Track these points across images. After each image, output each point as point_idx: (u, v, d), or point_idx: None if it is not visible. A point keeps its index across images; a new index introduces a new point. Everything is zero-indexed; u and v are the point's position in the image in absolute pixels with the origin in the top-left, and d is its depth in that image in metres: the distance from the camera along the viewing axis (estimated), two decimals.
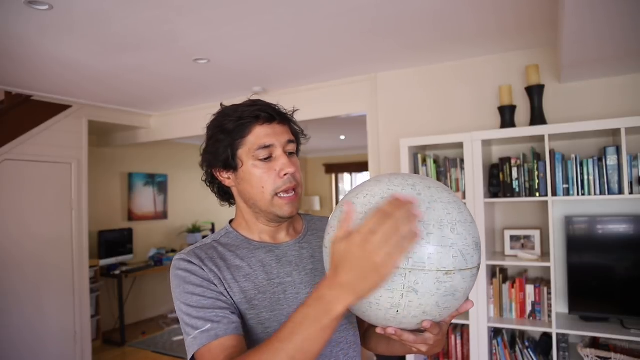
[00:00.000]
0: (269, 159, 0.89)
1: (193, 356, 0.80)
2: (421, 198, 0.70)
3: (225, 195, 0.99)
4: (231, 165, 0.91)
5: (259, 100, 0.94)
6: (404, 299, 0.67)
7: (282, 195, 0.89)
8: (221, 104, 0.96)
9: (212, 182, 0.98)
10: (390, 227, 0.60)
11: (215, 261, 0.90)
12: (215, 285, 0.86)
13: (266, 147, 0.89)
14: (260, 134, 0.89)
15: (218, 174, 0.94)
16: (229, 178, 0.94)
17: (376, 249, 0.60)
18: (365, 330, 1.06)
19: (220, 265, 0.89)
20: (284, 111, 0.94)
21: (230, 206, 1.00)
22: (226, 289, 0.87)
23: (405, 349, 0.82)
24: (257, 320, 0.87)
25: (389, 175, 0.78)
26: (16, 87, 3.22)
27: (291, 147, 0.92)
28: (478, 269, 0.73)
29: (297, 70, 3.01)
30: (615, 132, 2.17)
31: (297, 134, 0.97)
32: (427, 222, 0.68)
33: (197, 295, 0.84)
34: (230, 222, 1.01)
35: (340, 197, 8.27)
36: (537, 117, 2.41)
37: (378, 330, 0.74)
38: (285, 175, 0.88)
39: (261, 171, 0.89)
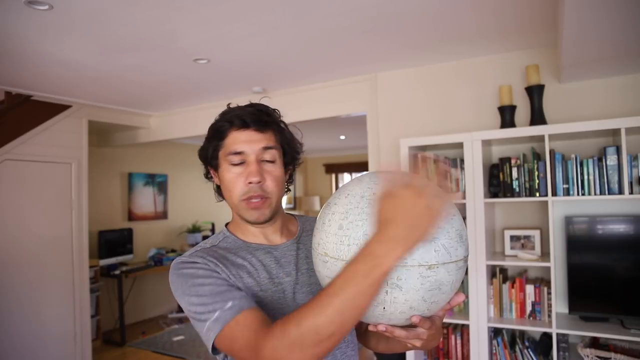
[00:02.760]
0: (241, 164, 0.91)
1: (213, 345, 0.78)
2: None
3: (220, 191, 1.01)
4: (212, 164, 0.96)
5: (255, 105, 0.95)
6: (389, 296, 0.68)
7: (249, 201, 0.90)
8: (228, 105, 0.98)
9: (209, 178, 1.02)
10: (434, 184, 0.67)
11: (219, 260, 0.90)
12: (222, 276, 0.86)
13: (237, 153, 0.90)
14: (235, 140, 0.91)
15: (211, 171, 0.99)
16: (216, 176, 0.98)
17: (429, 199, 0.65)
18: (365, 329, 1.06)
19: (224, 263, 0.90)
20: (268, 120, 0.93)
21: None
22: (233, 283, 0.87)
23: (403, 345, 0.82)
24: None
25: (369, 173, 0.79)
26: (16, 87, 3.22)
27: (269, 155, 0.92)
28: (465, 261, 0.74)
29: (297, 70, 3.01)
30: (615, 132, 2.17)
31: (286, 142, 0.96)
32: None
33: (208, 285, 0.83)
34: (227, 225, 1.02)
35: None
36: (537, 117, 2.41)
37: (370, 328, 0.75)
38: (250, 183, 0.89)
39: (231, 175, 0.91)
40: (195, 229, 5.74)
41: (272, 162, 0.92)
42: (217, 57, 2.66)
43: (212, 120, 0.98)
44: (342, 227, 0.72)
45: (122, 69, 2.83)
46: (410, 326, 0.75)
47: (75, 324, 3.62)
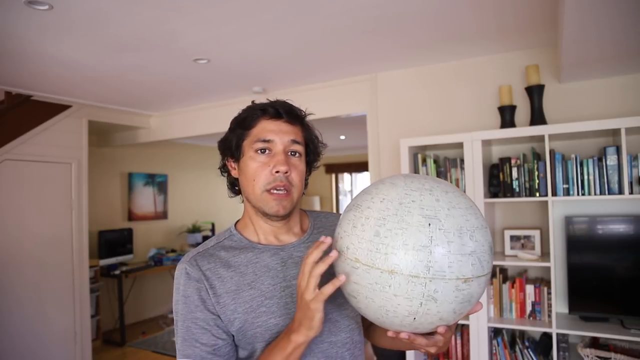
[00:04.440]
0: (267, 153, 0.90)
1: None
2: (439, 204, 0.69)
3: (234, 187, 1.00)
4: (235, 154, 0.94)
5: (282, 101, 0.95)
6: (423, 307, 0.68)
7: (272, 192, 0.89)
8: (252, 102, 0.99)
9: (224, 172, 1.00)
10: (307, 268, 0.75)
11: (218, 271, 0.89)
12: (212, 313, 0.86)
13: (265, 141, 0.90)
14: (264, 128, 0.91)
15: (229, 163, 0.97)
16: (235, 169, 0.96)
17: (303, 290, 0.75)
18: (369, 323, 1.05)
19: (223, 276, 0.88)
20: (299, 114, 0.94)
21: (241, 201, 1.00)
22: (228, 304, 0.87)
23: (410, 345, 0.82)
24: (265, 327, 0.86)
25: (404, 177, 0.76)
26: (16, 87, 3.22)
27: (296, 148, 0.92)
28: (491, 272, 0.74)
29: (297, 70, 3.01)
30: (615, 132, 2.17)
31: (310, 140, 0.97)
32: (447, 230, 0.67)
33: (190, 320, 0.86)
34: (236, 223, 1.00)
35: (340, 197, 8.26)
36: (537, 117, 2.41)
37: (389, 334, 0.74)
38: (277, 172, 0.88)
39: (256, 164, 0.90)
40: (195, 229, 5.74)
41: (297, 155, 0.93)
42: (217, 57, 2.66)
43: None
44: (379, 235, 0.69)
45: (122, 69, 2.83)
46: (430, 334, 0.75)
47: (75, 324, 3.62)
